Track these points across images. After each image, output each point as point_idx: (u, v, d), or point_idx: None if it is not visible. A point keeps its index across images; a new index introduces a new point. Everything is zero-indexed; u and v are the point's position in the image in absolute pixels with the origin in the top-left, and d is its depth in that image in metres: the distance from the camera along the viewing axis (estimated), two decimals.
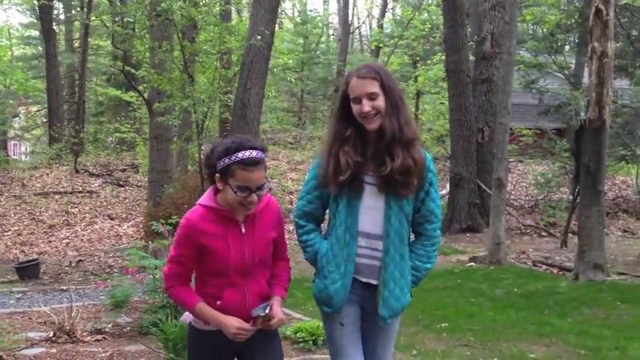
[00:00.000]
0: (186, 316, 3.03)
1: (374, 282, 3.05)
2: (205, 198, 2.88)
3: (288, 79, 26.33)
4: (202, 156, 11.97)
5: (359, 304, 3.11)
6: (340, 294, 3.03)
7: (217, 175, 2.77)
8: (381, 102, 2.95)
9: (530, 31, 23.63)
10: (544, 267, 10.74)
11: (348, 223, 3.02)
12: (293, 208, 17.80)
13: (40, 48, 28.68)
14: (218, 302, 2.87)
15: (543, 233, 14.52)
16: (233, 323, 2.82)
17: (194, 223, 2.81)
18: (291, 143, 25.15)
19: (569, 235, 12.56)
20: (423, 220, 3.10)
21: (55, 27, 26.74)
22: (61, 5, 31.13)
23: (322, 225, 3.25)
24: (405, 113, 3.02)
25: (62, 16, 32.07)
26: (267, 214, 2.94)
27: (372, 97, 2.94)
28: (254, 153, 2.73)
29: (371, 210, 3.02)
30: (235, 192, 2.73)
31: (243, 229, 2.87)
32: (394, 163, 2.92)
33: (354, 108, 2.98)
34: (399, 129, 2.95)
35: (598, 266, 9.08)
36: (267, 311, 2.85)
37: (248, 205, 2.78)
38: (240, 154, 2.71)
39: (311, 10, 35.86)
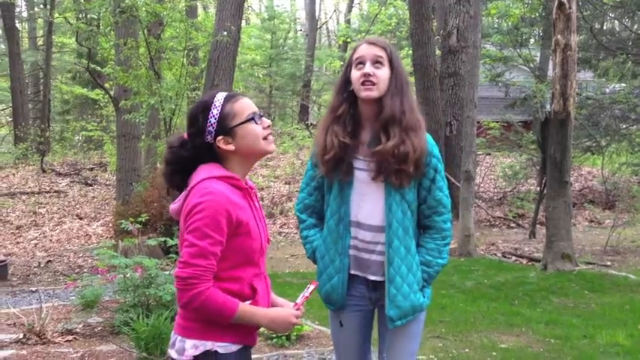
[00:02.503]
0: (193, 349, 2.26)
1: (380, 279, 2.82)
2: (213, 169, 2.30)
3: (256, 75, 26.26)
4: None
5: (367, 308, 2.90)
6: (338, 290, 2.83)
7: (220, 137, 2.30)
8: (384, 73, 2.73)
9: (495, 25, 23.81)
10: (513, 258, 10.88)
11: (341, 212, 2.80)
12: (264, 204, 17.55)
13: (3, 46, 28.19)
14: (247, 302, 2.31)
15: (512, 224, 14.68)
16: (288, 313, 2.38)
17: (225, 193, 2.23)
18: None
19: (537, 226, 12.73)
20: (430, 212, 2.83)
21: (17, 25, 26.30)
22: (23, 3, 30.66)
23: None
24: (410, 99, 2.79)
25: (25, 14, 31.59)
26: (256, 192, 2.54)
27: (377, 61, 2.74)
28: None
29: (367, 199, 2.78)
30: (254, 121, 2.31)
31: (256, 203, 2.42)
32: (388, 143, 2.70)
33: (354, 74, 2.76)
34: (401, 112, 2.73)
35: (566, 256, 9.22)
36: (310, 292, 2.48)
37: (268, 133, 2.35)
38: (219, 96, 2.34)
39: (278, 6, 35.69)
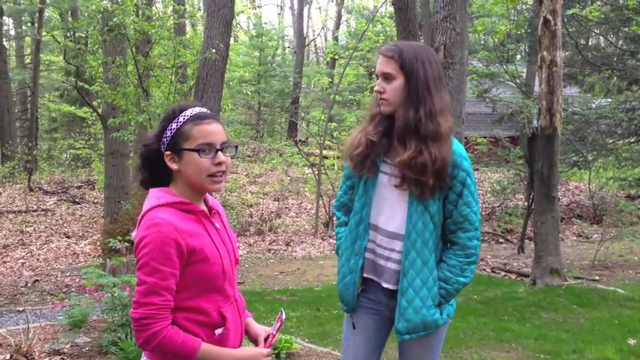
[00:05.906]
0: None
1: (392, 287, 2.76)
2: (161, 196, 2.19)
3: (245, 92, 26.26)
4: None
5: (382, 314, 2.84)
6: (350, 291, 2.82)
7: (168, 152, 2.19)
8: (395, 85, 2.68)
9: (482, 42, 23.98)
10: (502, 273, 10.89)
11: (363, 213, 2.79)
12: (253, 221, 17.46)
13: None
14: (218, 330, 2.20)
15: (501, 240, 14.73)
16: (257, 353, 2.28)
17: (172, 223, 2.10)
18: (249, 156, 25.06)
19: (526, 241, 12.77)
20: (455, 228, 2.74)
21: (5, 43, 26.26)
22: (11, 21, 30.59)
23: None
24: (429, 104, 2.65)
25: (12, 32, 31.53)
26: (221, 210, 2.41)
27: (386, 77, 2.69)
28: (203, 109, 2.24)
29: (388, 204, 2.75)
30: (199, 153, 2.15)
31: (217, 224, 2.30)
32: (404, 154, 2.64)
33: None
34: (416, 120, 2.63)
35: (555, 271, 9.24)
36: (280, 323, 2.42)
37: (218, 171, 2.19)
38: (188, 112, 2.20)
39: (266, 23, 35.87)
